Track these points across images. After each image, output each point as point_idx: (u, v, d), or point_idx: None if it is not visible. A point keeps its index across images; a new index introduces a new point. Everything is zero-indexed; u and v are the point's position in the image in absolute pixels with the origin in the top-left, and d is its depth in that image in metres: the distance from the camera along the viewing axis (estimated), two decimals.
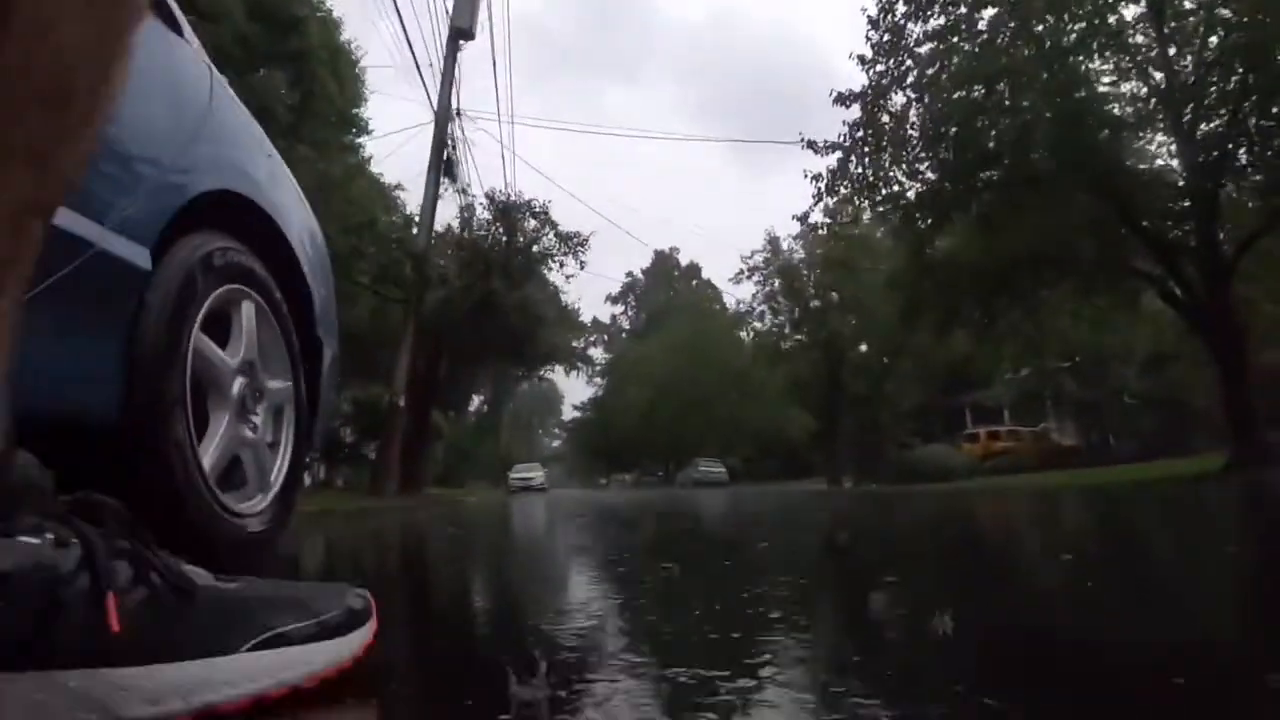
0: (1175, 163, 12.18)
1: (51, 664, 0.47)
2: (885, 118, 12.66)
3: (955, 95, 11.60)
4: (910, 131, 12.56)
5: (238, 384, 1.88)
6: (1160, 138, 12.44)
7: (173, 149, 1.65)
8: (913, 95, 12.35)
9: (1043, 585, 1.40)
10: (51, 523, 0.51)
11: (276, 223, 2.12)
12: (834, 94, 12.75)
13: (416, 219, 15.88)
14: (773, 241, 30.18)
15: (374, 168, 18.78)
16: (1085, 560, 1.67)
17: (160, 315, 1.52)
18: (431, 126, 15.30)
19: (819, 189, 13.41)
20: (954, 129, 11.48)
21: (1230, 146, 10.95)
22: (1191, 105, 11.03)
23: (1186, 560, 1.66)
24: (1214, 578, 1.40)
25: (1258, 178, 11.16)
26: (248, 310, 1.94)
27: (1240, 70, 10.23)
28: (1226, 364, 11.16)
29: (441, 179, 15.04)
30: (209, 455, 1.76)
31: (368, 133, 18.38)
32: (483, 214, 16.71)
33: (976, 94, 11.45)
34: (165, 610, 0.54)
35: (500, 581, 1.97)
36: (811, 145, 13.17)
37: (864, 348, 29.60)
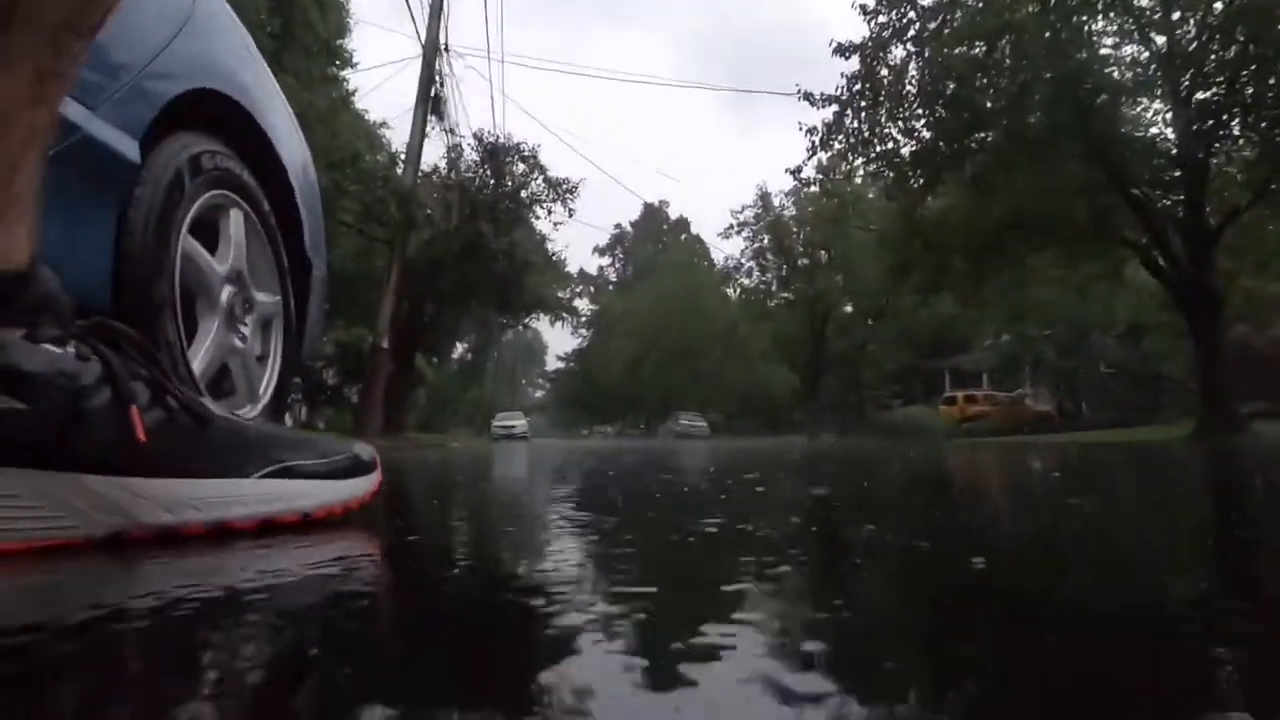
0: (1169, 131, 12.15)
1: (72, 469, 0.50)
2: (884, 71, 12.46)
3: (956, 51, 11.42)
4: (908, 87, 12.38)
5: (226, 292, 1.87)
6: (1156, 105, 12.38)
7: (158, 41, 1.61)
8: (913, 49, 12.14)
9: (1000, 511, 1.47)
10: (73, 338, 0.52)
11: (265, 132, 2.08)
12: (834, 44, 12.51)
13: (402, 157, 15.54)
14: (764, 197, 29.94)
15: (358, 103, 18.26)
16: (1041, 496, 1.75)
17: (149, 211, 1.51)
18: (418, 62, 14.83)
19: (813, 143, 13.28)
20: (952, 86, 11.34)
21: (1225, 116, 10.93)
22: (1190, 72, 10.95)
23: (1131, 502, 1.74)
24: (1158, 515, 1.48)
25: (1247, 152, 11.19)
26: (236, 219, 1.93)
27: (1241, 38, 10.15)
28: (1202, 335, 11.37)
29: (429, 117, 14.66)
30: (198, 360, 1.76)
31: (352, 65, 17.83)
32: (470, 155, 16.37)
33: (978, 51, 11.28)
34: (182, 432, 0.56)
35: (489, 504, 2.03)
36: (808, 97, 12.97)
37: (850, 308, 29.76)
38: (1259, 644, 0.47)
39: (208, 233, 1.86)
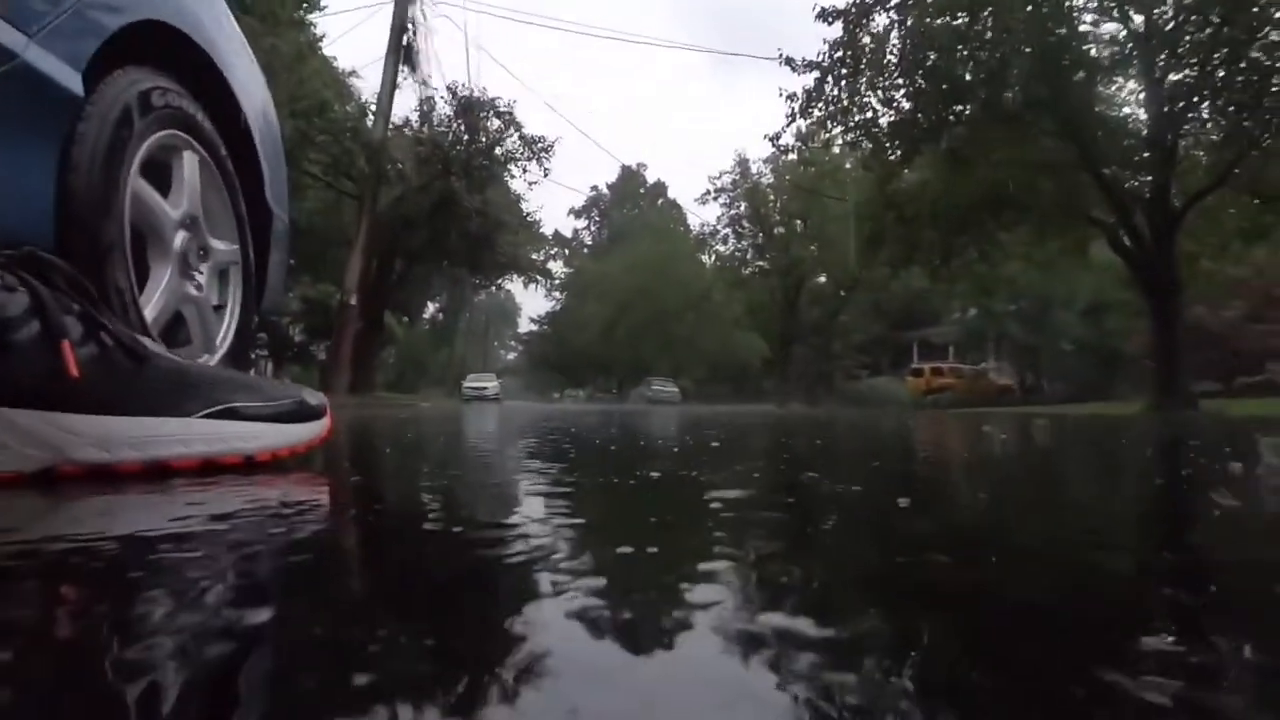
0: (1141, 112, 12.32)
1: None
2: (866, 39, 12.36)
3: (938, 21, 11.35)
4: (889, 56, 12.31)
5: (180, 237, 1.82)
6: (1131, 85, 12.52)
7: None
8: (896, 17, 12.04)
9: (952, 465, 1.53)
10: None
11: (222, 72, 2.00)
12: (817, 8, 12.35)
13: (372, 108, 15.06)
14: (742, 163, 29.74)
15: (326, 49, 17.58)
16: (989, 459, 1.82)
17: (95, 148, 1.45)
18: (390, 7, 14.27)
19: (793, 109, 13.19)
20: (933, 56, 11.30)
21: (1195, 99, 11.09)
22: (1165, 53, 11.06)
23: (1076, 465, 1.81)
24: (1103, 477, 1.54)
25: (1215, 136, 11.37)
26: (190, 161, 1.86)
27: (1216, 19, 10.24)
28: (1161, 315, 11.71)
29: (400, 67, 14.18)
30: (150, 307, 1.72)
31: (319, 9, 17.10)
32: (443, 109, 15.93)
33: (960, 21, 11.23)
34: (118, 369, 0.54)
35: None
36: (789, 62, 12.84)
37: (823, 278, 29.96)
38: (1138, 560, 0.51)
39: (160, 176, 1.80)
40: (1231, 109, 10.57)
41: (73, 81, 1.34)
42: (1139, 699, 0.29)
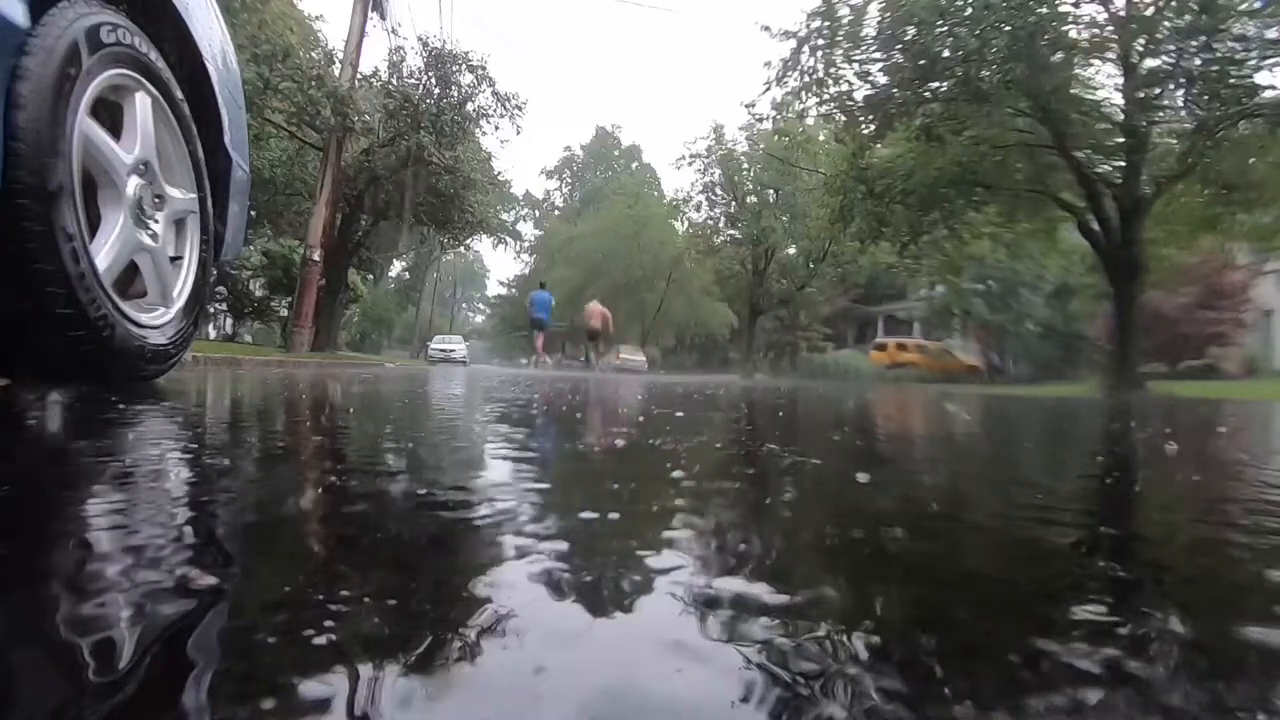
0: (1116, 96, 12.43)
1: None
2: (844, 10, 12.23)
3: None
4: (866, 29, 12.21)
5: (133, 183, 1.74)
6: (1109, 70, 12.62)
7: None
8: None
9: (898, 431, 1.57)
10: None
11: (176, 9, 1.90)
12: None
13: (338, 56, 14.47)
14: (717, 129, 29.45)
15: None
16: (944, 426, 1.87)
17: (41, 84, 1.37)
18: None
19: (770, 78, 13.08)
20: (912, 30, 11.24)
21: (1171, 86, 11.23)
22: (1144, 38, 11.14)
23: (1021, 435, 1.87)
24: (1045, 446, 1.59)
25: (1189, 124, 11.55)
26: (143, 103, 1.78)
27: (1195, 6, 10.33)
28: (1122, 299, 12.03)
29: (370, 13, 13.62)
30: (103, 255, 1.65)
31: None
32: (414, 61, 15.38)
33: None
34: None
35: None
36: (766, 30, 12.70)
37: (793, 249, 30.06)
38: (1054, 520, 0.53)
39: (112, 118, 1.71)
40: (1206, 98, 10.72)
41: (15, 11, 1.27)
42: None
